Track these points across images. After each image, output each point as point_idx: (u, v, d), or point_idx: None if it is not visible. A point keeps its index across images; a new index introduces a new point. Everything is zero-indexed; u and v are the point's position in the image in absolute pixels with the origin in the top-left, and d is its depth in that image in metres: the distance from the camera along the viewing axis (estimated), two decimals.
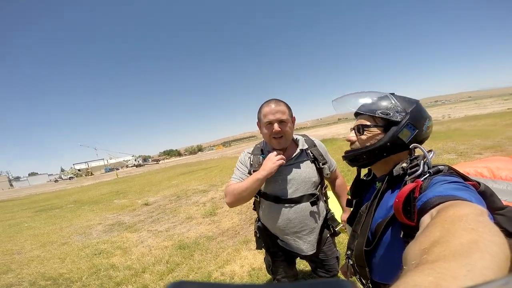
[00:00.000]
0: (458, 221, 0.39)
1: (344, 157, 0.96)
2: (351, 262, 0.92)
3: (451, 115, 25.80)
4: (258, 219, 1.58)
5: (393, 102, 0.89)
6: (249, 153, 1.49)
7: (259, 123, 1.40)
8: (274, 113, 1.30)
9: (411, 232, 0.64)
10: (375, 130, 0.88)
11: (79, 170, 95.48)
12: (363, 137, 0.90)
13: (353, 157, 0.92)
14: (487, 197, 0.63)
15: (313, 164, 1.42)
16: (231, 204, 1.37)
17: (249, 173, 1.39)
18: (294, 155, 1.40)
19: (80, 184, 26.92)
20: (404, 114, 0.86)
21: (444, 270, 0.27)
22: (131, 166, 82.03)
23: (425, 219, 0.55)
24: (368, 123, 0.89)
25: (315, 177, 1.41)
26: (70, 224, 6.63)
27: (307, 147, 1.46)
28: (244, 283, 0.53)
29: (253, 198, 1.48)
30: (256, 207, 1.56)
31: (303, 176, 1.38)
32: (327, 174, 1.48)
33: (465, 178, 0.68)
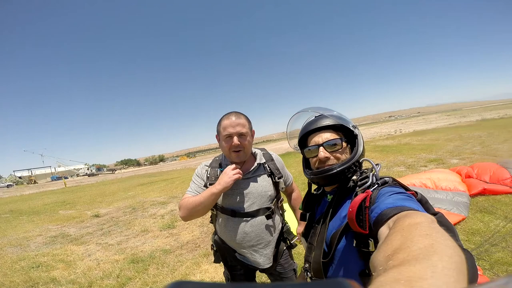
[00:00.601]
0: (414, 229, 0.43)
1: (325, 175, 0.84)
2: (310, 275, 0.90)
3: (402, 130, 28.45)
4: (215, 233, 1.53)
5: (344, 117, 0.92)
6: (207, 166, 1.46)
7: (218, 136, 1.38)
8: (234, 126, 1.29)
9: (363, 240, 0.69)
10: (344, 145, 0.88)
11: (20, 177, 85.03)
12: (338, 153, 0.87)
13: (339, 172, 0.83)
14: (423, 204, 0.69)
15: (269, 178, 1.43)
16: (185, 218, 1.32)
17: (205, 186, 1.36)
18: (252, 168, 1.40)
19: (19, 193, 23.93)
20: (356, 129, 0.90)
21: (411, 273, 0.29)
22: (83, 175, 76.18)
23: (383, 230, 0.58)
24: (337, 137, 0.88)
25: (271, 191, 1.41)
26: (3, 235, 5.84)
27: (265, 161, 1.46)
28: (245, 283, 0.54)
29: (210, 212, 1.44)
30: (213, 220, 1.52)
31: (260, 190, 1.38)
32: (282, 188, 1.51)
33: (405, 188, 0.74)
